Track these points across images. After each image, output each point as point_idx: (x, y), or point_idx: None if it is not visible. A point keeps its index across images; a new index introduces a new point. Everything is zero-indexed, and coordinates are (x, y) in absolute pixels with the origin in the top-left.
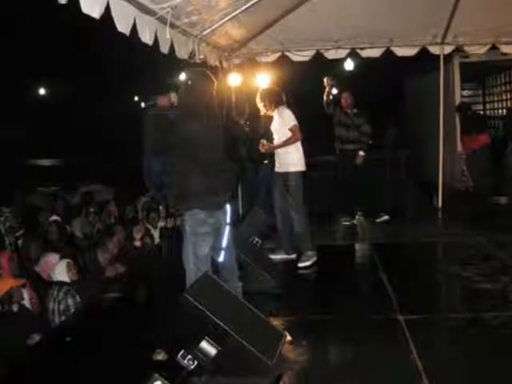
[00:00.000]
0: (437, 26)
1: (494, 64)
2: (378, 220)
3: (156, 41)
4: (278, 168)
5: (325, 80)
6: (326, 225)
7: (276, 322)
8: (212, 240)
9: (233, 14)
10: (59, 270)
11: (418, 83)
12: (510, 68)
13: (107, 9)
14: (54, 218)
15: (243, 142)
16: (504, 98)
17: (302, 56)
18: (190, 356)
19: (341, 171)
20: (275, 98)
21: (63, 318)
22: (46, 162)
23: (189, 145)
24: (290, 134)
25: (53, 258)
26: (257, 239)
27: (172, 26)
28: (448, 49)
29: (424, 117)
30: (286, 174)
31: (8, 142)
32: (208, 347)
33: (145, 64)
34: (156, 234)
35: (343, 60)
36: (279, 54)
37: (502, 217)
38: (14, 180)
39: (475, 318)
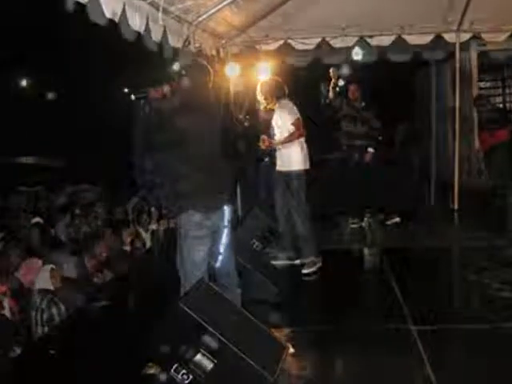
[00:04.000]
0: (452, 11)
1: None
2: (389, 222)
3: (147, 28)
4: (280, 166)
5: (330, 71)
6: (332, 227)
7: (278, 333)
8: (209, 244)
9: None
10: (42, 276)
11: (429, 74)
12: None
13: None
14: (37, 220)
15: (242, 138)
16: None
17: (307, 44)
18: (184, 370)
19: (348, 169)
20: (276, 90)
21: (47, 328)
22: (28, 160)
23: (184, 141)
24: (292, 128)
25: (35, 263)
26: (257, 243)
27: (165, 11)
28: (464, 36)
29: (437, 112)
30: (289, 173)
31: None
32: (204, 360)
33: (135, 52)
34: (147, 237)
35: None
36: (281, 41)
37: None
38: None
39: (494, 328)
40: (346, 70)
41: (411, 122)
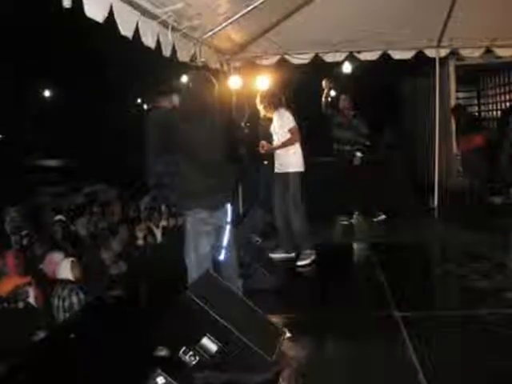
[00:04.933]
0: (433, 29)
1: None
2: (376, 219)
3: (158, 44)
4: (278, 169)
5: (323, 82)
6: (326, 224)
7: (275, 319)
8: (213, 239)
9: (233, 18)
10: (63, 268)
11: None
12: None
13: (110, 12)
14: (59, 217)
15: (243, 143)
16: None
17: (302, 59)
18: (191, 352)
19: (339, 172)
20: (274, 100)
21: (67, 315)
22: (51, 163)
23: (190, 146)
24: (288, 135)
25: (57, 256)
26: (257, 238)
27: (174, 29)
28: (443, 52)
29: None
30: (286, 175)
31: (13, 143)
32: (209, 344)
33: (147, 66)
34: (158, 233)
35: (342, 62)
36: (279, 56)
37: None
38: (20, 180)
39: (471, 315)
40: (337, 82)
41: (397, 126)
